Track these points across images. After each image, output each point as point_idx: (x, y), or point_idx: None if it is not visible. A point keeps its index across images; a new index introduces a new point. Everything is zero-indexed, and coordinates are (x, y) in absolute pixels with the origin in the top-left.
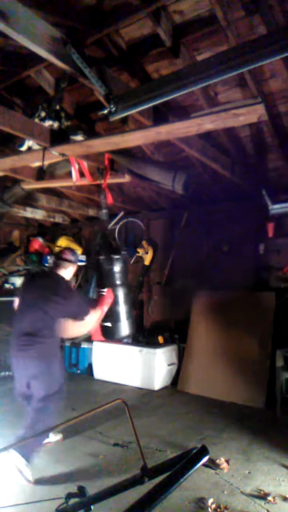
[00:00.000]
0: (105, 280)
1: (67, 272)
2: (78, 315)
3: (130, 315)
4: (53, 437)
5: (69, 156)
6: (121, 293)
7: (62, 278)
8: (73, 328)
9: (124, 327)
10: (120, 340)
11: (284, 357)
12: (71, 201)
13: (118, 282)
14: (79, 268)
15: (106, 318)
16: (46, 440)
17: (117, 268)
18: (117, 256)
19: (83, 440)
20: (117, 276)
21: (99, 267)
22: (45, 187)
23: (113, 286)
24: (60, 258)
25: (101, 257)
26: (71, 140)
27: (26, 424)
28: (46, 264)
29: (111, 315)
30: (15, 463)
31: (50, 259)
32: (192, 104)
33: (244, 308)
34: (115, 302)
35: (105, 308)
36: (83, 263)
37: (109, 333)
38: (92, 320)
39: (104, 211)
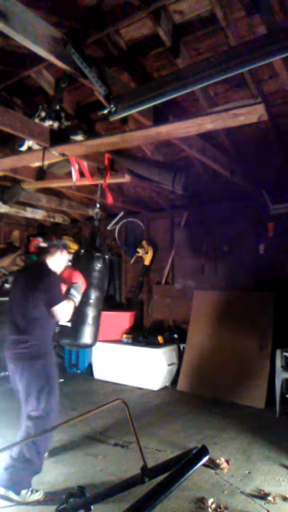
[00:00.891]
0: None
1: (55, 259)
2: (51, 304)
3: (96, 322)
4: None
5: (69, 156)
6: (93, 295)
7: (46, 268)
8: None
9: (87, 333)
10: (78, 348)
11: (284, 357)
12: (71, 201)
13: (94, 281)
14: None
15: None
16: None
17: (96, 266)
18: (98, 254)
19: (83, 440)
20: (94, 274)
21: (78, 261)
22: (45, 187)
23: (87, 284)
24: (45, 244)
25: (82, 251)
26: (71, 140)
27: (13, 451)
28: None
29: (76, 315)
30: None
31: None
32: (192, 104)
33: (244, 308)
34: (84, 303)
35: (75, 290)
36: None
37: (66, 336)
38: (66, 307)
39: (96, 210)
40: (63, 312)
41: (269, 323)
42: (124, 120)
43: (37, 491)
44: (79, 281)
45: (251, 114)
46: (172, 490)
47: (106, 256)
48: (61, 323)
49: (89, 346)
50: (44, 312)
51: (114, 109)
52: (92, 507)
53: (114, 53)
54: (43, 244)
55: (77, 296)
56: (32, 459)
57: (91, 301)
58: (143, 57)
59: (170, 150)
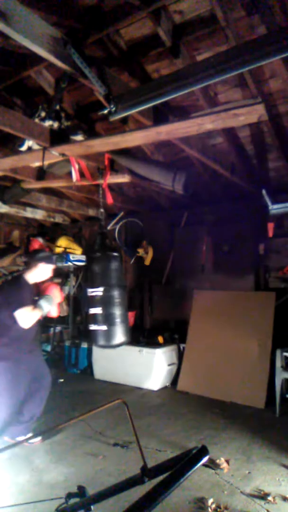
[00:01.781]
0: (95, 278)
1: (34, 273)
2: (11, 310)
3: (124, 319)
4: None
5: (69, 156)
6: (117, 294)
7: (16, 281)
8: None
9: (119, 333)
10: (114, 347)
11: (284, 357)
12: (71, 201)
13: (113, 281)
14: (78, 268)
15: (95, 321)
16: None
17: (113, 266)
18: (114, 254)
19: (83, 440)
20: (114, 274)
21: (96, 264)
22: (45, 187)
23: (109, 285)
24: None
25: (97, 254)
26: (71, 140)
27: None
28: None
29: (105, 318)
30: None
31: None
32: (192, 104)
33: (244, 308)
34: (109, 303)
35: (46, 301)
36: (82, 263)
37: (100, 339)
38: (26, 313)
39: (101, 210)
40: (23, 318)
41: (269, 323)
42: (124, 120)
43: None
44: (53, 293)
45: (251, 114)
46: (172, 490)
47: (110, 253)
48: (24, 327)
49: (123, 344)
50: (8, 317)
51: (114, 109)
52: (92, 507)
53: (114, 53)
54: (24, 259)
55: (44, 307)
56: None
57: (116, 300)
58: (143, 57)
59: (170, 150)
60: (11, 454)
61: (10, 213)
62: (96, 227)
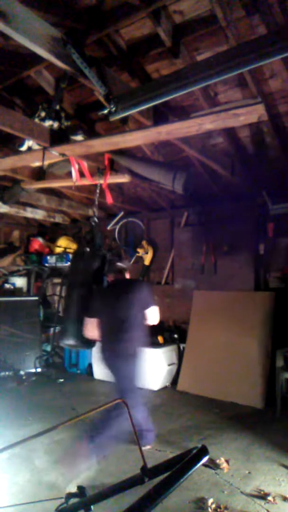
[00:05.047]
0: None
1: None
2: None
3: (77, 321)
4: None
5: (69, 156)
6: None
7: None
8: None
9: (69, 332)
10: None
11: (284, 357)
12: (71, 201)
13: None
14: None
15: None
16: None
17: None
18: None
19: (83, 440)
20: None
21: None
22: (45, 187)
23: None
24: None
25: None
26: (71, 140)
27: None
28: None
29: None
30: None
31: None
32: (192, 104)
33: (244, 308)
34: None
35: None
36: None
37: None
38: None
39: (94, 209)
40: (155, 315)
41: (269, 323)
42: (124, 120)
43: None
44: None
45: (251, 114)
46: (172, 490)
47: (102, 254)
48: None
49: (75, 346)
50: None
51: (114, 109)
52: (92, 507)
53: (114, 53)
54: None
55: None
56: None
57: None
58: (143, 57)
59: (170, 150)
60: (11, 454)
61: (10, 213)
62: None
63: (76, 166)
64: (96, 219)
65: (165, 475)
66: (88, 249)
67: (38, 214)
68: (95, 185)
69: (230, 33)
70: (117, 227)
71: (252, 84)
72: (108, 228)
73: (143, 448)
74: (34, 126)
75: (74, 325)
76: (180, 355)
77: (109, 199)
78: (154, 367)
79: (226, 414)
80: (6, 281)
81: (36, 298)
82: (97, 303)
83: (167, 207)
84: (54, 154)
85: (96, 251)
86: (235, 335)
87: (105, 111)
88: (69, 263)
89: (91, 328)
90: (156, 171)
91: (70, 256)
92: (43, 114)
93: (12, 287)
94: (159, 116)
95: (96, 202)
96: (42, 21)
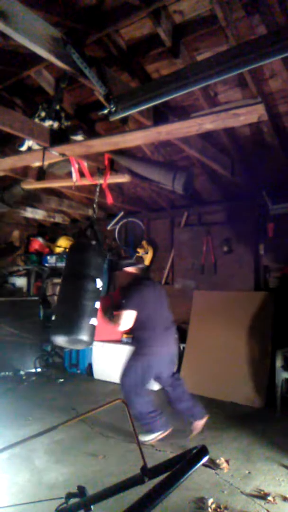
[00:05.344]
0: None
1: None
2: None
3: (67, 317)
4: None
5: (69, 156)
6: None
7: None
8: None
9: (56, 328)
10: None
11: (284, 357)
12: (71, 201)
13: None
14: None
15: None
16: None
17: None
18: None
19: (83, 440)
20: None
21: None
22: (45, 187)
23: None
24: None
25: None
26: (71, 140)
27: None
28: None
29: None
30: None
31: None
32: (192, 104)
33: (244, 308)
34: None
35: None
36: None
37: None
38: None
39: (93, 208)
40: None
41: (269, 323)
42: (124, 120)
43: None
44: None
45: (251, 114)
46: (172, 490)
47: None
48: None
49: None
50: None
51: (114, 109)
52: (92, 507)
53: (114, 53)
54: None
55: None
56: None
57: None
58: (143, 57)
59: (170, 150)
60: (11, 454)
61: (10, 213)
62: (97, 227)
63: (76, 166)
64: (95, 216)
65: (165, 475)
66: (94, 242)
67: (38, 214)
68: (95, 185)
69: (230, 33)
70: (117, 227)
71: (252, 84)
72: (108, 228)
73: (200, 422)
74: (34, 126)
75: (84, 320)
76: (180, 355)
77: (109, 199)
78: None
79: (226, 414)
80: (6, 281)
81: (36, 298)
82: (142, 297)
83: (167, 207)
84: (54, 154)
85: (100, 246)
86: (235, 335)
87: (105, 111)
88: (70, 254)
89: (129, 322)
90: (156, 171)
91: (71, 247)
92: (43, 114)
93: (12, 287)
94: (159, 116)
95: (96, 201)
96: (42, 21)
